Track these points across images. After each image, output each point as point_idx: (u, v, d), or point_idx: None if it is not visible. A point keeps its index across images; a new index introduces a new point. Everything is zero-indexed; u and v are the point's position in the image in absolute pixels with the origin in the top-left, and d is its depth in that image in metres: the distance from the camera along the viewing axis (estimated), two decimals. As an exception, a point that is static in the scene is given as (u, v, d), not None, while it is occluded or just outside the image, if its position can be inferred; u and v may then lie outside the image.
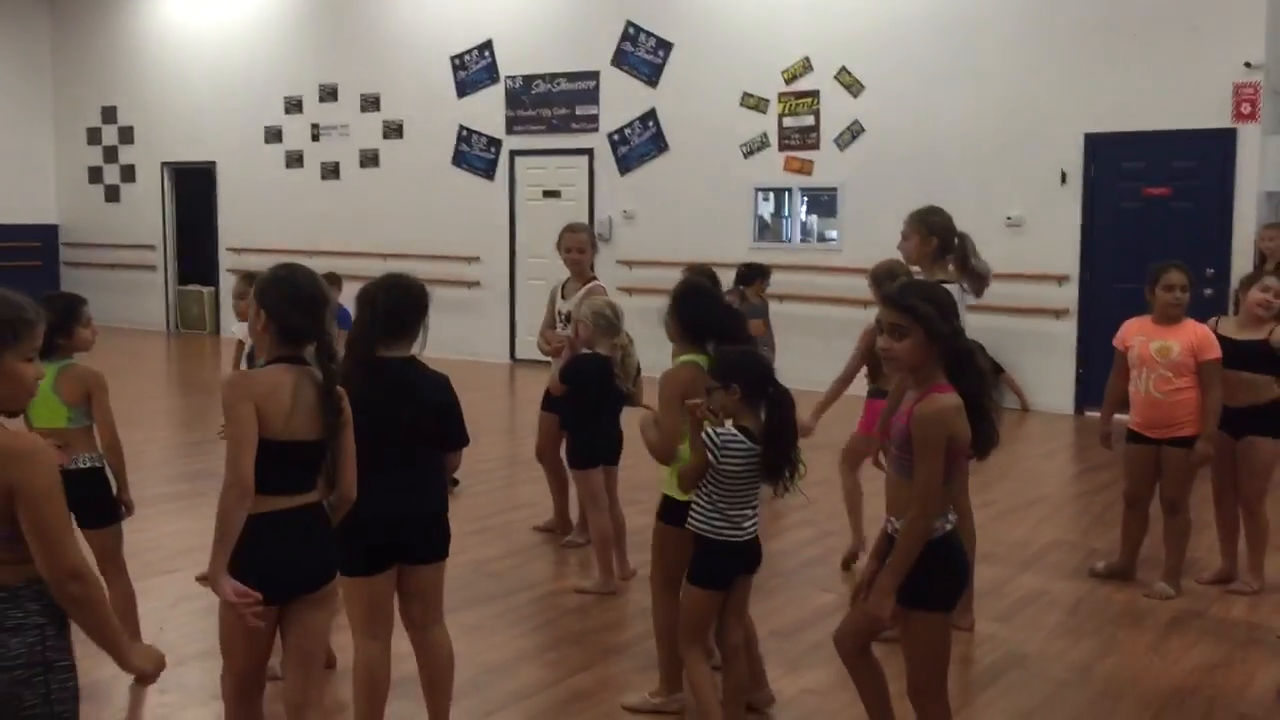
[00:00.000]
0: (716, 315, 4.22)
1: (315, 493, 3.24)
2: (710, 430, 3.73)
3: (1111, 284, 10.33)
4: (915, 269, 5.14)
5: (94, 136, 17.44)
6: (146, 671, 2.85)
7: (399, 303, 3.61)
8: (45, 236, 17.58)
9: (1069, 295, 10.64)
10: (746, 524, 3.80)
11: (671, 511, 4.03)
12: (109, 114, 17.21)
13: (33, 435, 2.65)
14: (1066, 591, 5.71)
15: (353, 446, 3.28)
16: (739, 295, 8.36)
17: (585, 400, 5.69)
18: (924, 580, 3.22)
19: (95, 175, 17.54)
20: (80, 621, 2.49)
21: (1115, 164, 10.44)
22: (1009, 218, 10.76)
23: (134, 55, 16.81)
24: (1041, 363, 10.65)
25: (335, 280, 9.11)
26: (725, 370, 3.80)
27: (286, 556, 3.16)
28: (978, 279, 5.07)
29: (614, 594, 5.51)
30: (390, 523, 3.56)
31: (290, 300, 3.19)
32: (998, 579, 5.76)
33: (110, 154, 17.32)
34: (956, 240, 5.05)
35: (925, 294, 3.34)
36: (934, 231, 5.01)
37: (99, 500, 4.36)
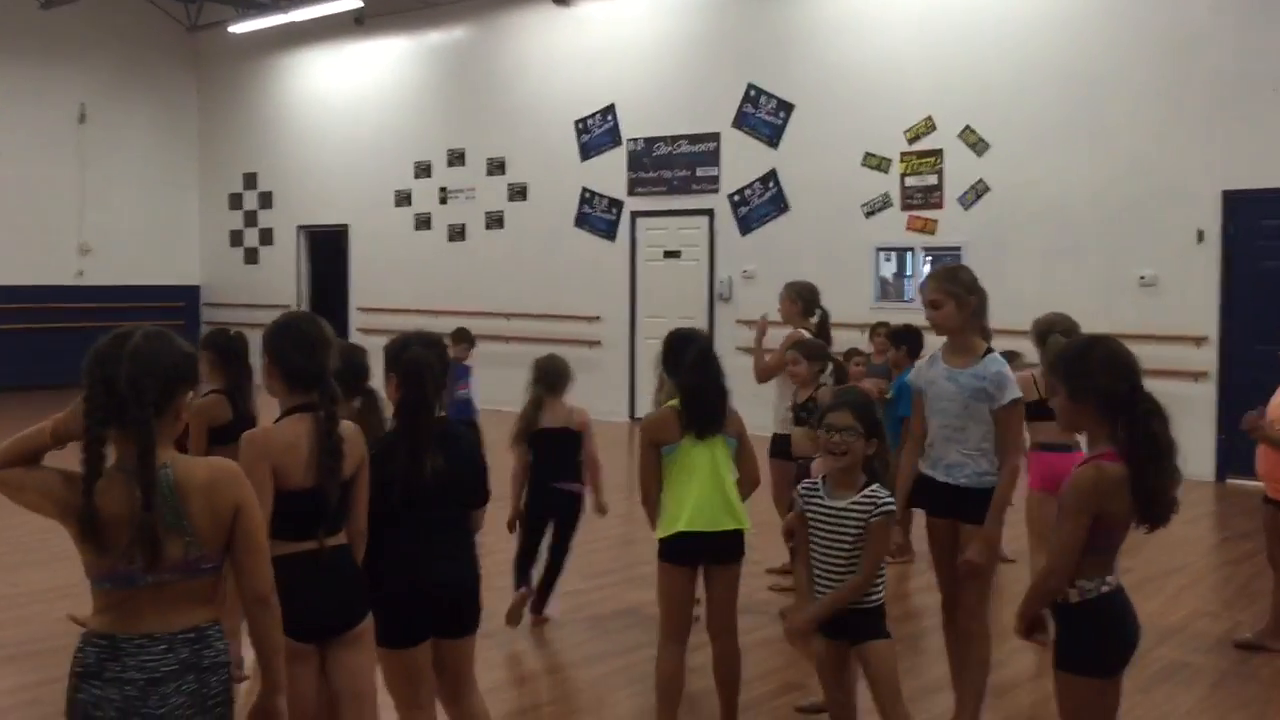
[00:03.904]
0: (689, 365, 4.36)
1: (339, 535, 3.30)
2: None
3: (1254, 346, 9.92)
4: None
5: (235, 202, 18.26)
6: (281, 709, 2.76)
7: (441, 361, 3.60)
8: (188, 297, 18.39)
9: (1208, 357, 10.25)
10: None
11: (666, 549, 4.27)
12: (250, 180, 18.01)
13: (225, 458, 2.73)
14: (1209, 664, 5.44)
15: (365, 490, 3.35)
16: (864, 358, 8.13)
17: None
18: (1075, 643, 3.10)
19: (236, 239, 18.33)
20: (267, 635, 2.63)
21: (1255, 222, 10.07)
22: (1142, 277, 10.46)
23: (273, 124, 17.60)
24: (1179, 427, 10.17)
25: (467, 337, 9.31)
26: (874, 424, 3.80)
27: (312, 597, 3.18)
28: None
29: None
30: (436, 593, 3.50)
31: (292, 342, 3.27)
32: (1136, 650, 5.51)
33: (250, 218, 18.10)
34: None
35: (1071, 350, 3.22)
36: (972, 291, 4.36)
37: None
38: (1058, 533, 3.09)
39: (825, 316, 6.81)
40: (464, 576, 3.61)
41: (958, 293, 4.30)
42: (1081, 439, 4.95)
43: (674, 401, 4.32)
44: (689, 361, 4.31)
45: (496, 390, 9.95)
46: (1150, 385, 3.18)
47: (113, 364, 2.46)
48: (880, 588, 3.80)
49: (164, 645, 2.46)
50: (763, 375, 6.74)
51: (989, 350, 4.30)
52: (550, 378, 5.87)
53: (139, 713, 2.42)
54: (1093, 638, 3.13)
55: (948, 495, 4.24)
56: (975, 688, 4.33)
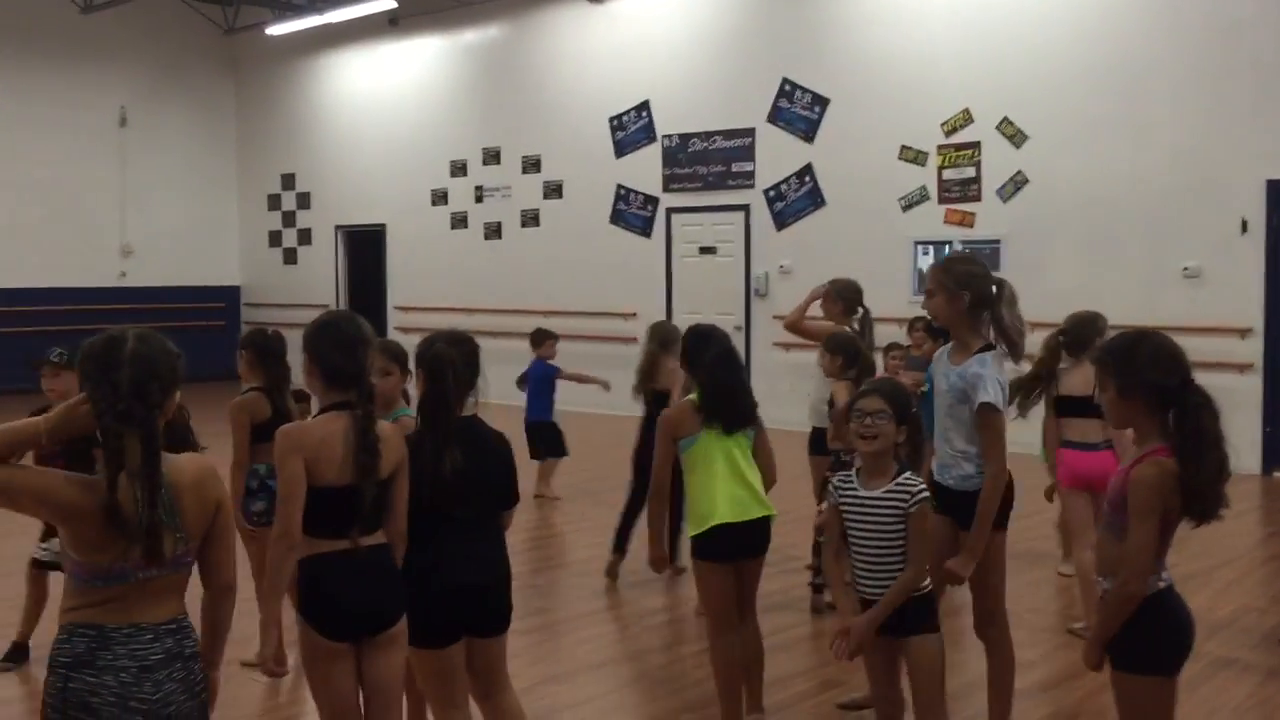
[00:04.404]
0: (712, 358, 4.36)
1: (377, 534, 3.30)
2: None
3: (1301, 337, 9.78)
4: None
5: (274, 203, 18.42)
6: (217, 683, 2.83)
7: (469, 360, 3.58)
8: (228, 297, 18.60)
9: (1253, 349, 10.10)
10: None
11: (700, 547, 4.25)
12: (288, 181, 18.17)
13: (202, 456, 2.89)
14: (1257, 660, 5.35)
15: (405, 490, 3.35)
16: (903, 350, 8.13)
17: None
18: (1134, 641, 3.04)
19: (275, 239, 18.49)
20: (227, 618, 2.79)
21: (1301, 211, 9.91)
22: (1185, 268, 10.32)
23: (311, 125, 17.74)
24: (1224, 420, 10.05)
25: (551, 335, 9.41)
26: (905, 410, 3.73)
27: (347, 596, 3.21)
28: (1010, 338, 4.10)
29: None
30: (463, 593, 3.51)
31: (332, 342, 3.29)
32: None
33: (289, 219, 18.25)
34: (995, 290, 4.12)
35: (1119, 344, 3.17)
36: (963, 285, 4.07)
37: None
38: (1131, 537, 3.01)
39: (868, 315, 6.72)
40: (492, 576, 3.60)
41: (948, 285, 4.09)
42: (1114, 434, 4.87)
43: (693, 395, 4.33)
44: (710, 359, 4.30)
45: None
46: (1195, 378, 3.13)
47: (115, 367, 2.50)
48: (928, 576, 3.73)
49: (150, 635, 2.55)
50: (789, 323, 6.82)
51: (984, 348, 4.07)
52: (663, 337, 6.57)
53: (135, 698, 2.50)
54: (1152, 635, 3.07)
55: (942, 494, 4.10)
56: (1004, 691, 4.26)
